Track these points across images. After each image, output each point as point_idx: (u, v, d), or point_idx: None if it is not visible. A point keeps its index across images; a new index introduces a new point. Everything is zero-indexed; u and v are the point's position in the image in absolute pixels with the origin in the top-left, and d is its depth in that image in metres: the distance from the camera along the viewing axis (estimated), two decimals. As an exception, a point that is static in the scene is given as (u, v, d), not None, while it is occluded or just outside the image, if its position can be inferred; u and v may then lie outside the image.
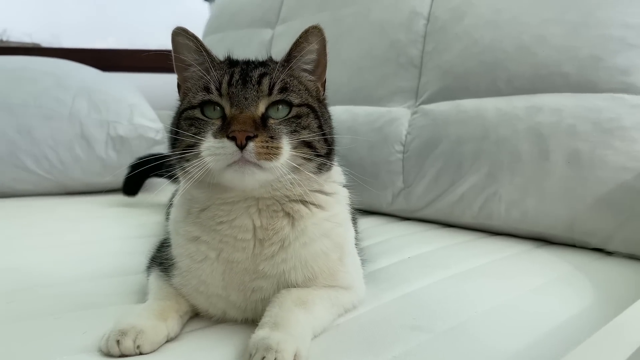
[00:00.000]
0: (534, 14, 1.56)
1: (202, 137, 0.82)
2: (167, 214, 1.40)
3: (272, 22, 2.51)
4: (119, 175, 2.23)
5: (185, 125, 0.86)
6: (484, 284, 1.12)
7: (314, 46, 0.91)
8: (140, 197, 2.22)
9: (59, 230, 1.60)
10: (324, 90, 0.97)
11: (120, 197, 2.22)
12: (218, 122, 0.84)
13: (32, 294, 1.04)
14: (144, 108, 2.32)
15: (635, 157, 1.30)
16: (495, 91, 1.59)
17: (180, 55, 0.91)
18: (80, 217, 1.82)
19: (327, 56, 0.94)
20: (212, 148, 0.80)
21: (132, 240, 1.48)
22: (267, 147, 0.79)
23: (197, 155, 0.81)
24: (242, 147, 0.78)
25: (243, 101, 0.83)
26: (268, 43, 2.44)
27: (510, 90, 1.55)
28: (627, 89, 1.36)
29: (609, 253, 1.38)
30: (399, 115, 1.80)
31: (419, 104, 1.79)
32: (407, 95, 1.83)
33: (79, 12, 3.93)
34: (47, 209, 1.97)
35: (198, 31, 2.78)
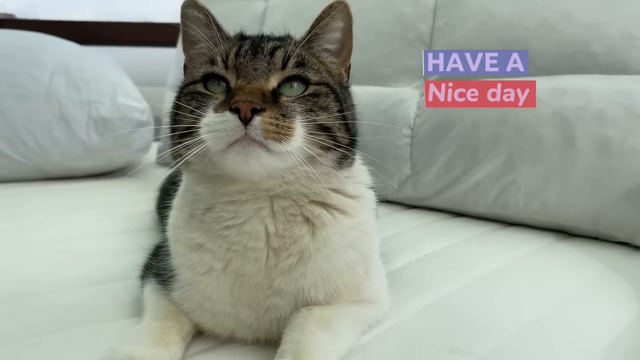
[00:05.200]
0: (559, -14, 1.43)
1: (203, 112, 0.70)
2: (159, 204, 1.27)
3: (265, -7, 2.33)
4: (102, 159, 2.10)
5: (185, 101, 0.74)
6: (516, 289, 1.01)
7: (338, 24, 0.79)
8: (126, 183, 2.08)
9: (37, 224, 1.45)
10: (349, 77, 0.84)
11: (104, 183, 2.08)
12: (221, 97, 0.72)
13: (8, 307, 0.91)
14: (127, 86, 2.15)
15: (672, 146, 1.20)
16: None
17: (188, 30, 0.80)
18: (61, 208, 1.67)
19: (354, 38, 0.81)
20: (212, 124, 0.67)
21: (119, 236, 1.35)
22: (277, 124, 0.67)
23: (195, 134, 0.69)
24: (246, 122, 0.65)
25: (251, 72, 0.72)
26: (261, 16, 2.27)
27: (532, 71, 1.37)
28: (663, 71, 1.26)
29: (635, 247, 1.29)
30: (407, 97, 1.67)
31: (429, 84, 1.66)
32: (416, 75, 1.69)
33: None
34: (24, 198, 1.82)
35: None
